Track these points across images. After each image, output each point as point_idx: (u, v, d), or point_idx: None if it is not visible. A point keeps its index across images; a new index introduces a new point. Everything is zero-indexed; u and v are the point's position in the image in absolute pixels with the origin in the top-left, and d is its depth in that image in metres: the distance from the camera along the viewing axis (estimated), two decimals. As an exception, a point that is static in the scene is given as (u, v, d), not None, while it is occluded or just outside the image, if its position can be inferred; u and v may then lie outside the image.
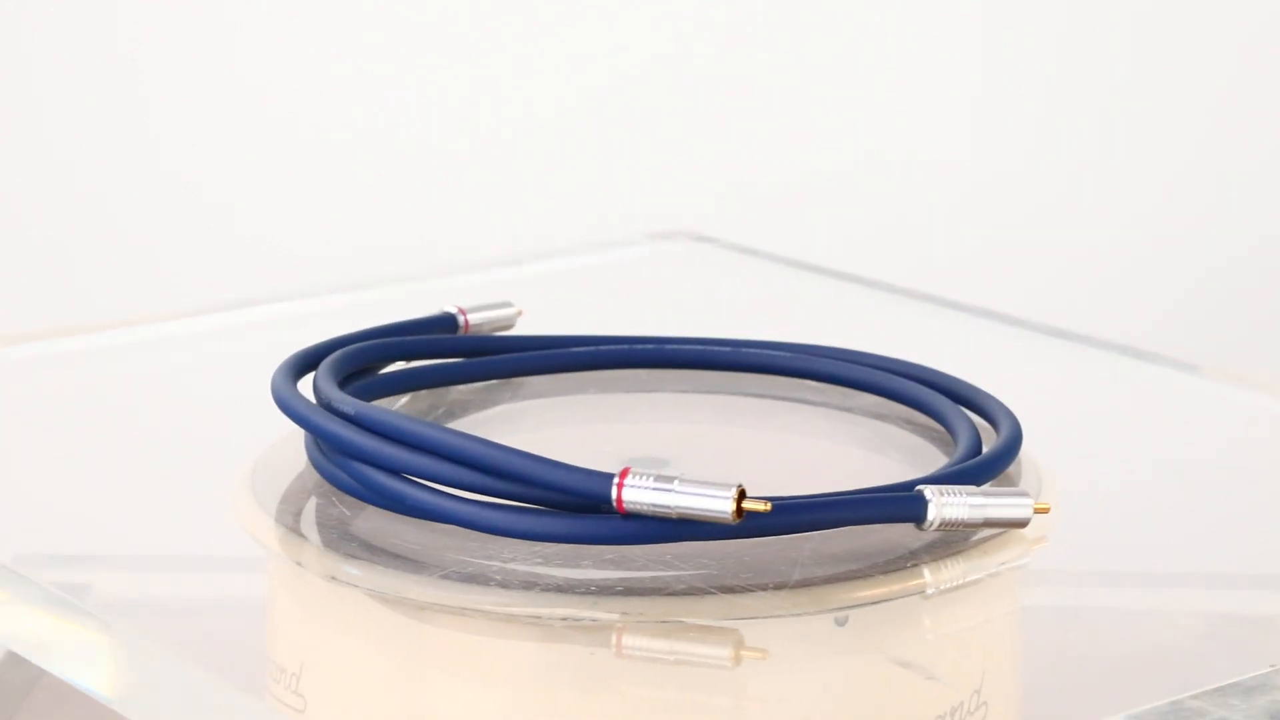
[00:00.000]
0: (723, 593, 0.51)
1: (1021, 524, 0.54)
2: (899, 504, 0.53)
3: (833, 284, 0.82)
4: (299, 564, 0.55)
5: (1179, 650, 0.53)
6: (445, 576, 0.52)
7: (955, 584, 0.53)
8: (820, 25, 1.29)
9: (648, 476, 0.51)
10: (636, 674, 0.50)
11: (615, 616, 0.51)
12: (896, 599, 0.52)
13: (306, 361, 0.61)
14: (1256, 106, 1.32)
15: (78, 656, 0.52)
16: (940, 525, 0.53)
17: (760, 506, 0.51)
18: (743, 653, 0.50)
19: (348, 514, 0.56)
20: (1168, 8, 1.30)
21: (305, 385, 0.60)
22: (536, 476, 0.52)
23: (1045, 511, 0.54)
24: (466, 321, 0.67)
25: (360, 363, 0.63)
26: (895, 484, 0.54)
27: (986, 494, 0.53)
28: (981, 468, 0.56)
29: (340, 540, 0.54)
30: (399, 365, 0.65)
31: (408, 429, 0.55)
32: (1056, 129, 1.31)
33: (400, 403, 0.65)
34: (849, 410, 0.64)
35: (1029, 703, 0.51)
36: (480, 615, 0.51)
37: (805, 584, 0.52)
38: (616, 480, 0.51)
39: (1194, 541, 0.59)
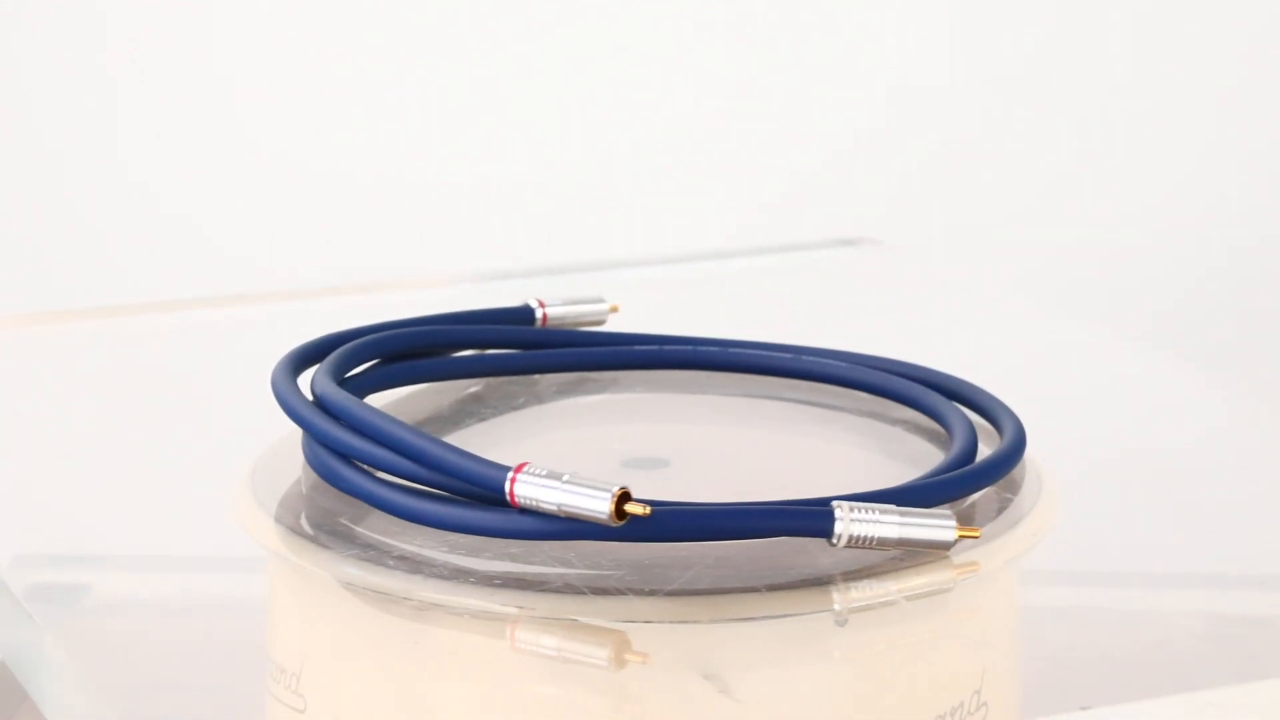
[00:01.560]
0: (594, 593, 0.51)
1: (944, 547, 0.52)
2: (802, 518, 0.52)
3: (1012, 302, 0.82)
4: (299, 564, 0.54)
5: (1179, 650, 0.53)
6: (347, 555, 0.53)
7: (861, 606, 0.52)
8: (825, 30, 1.30)
9: (540, 472, 0.51)
10: (506, 666, 0.50)
11: (470, 604, 0.51)
12: (774, 619, 0.51)
13: (324, 348, 0.62)
14: (1259, 101, 1.32)
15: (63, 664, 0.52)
16: (850, 542, 0.52)
17: (640, 510, 0.50)
18: (627, 656, 0.50)
19: (348, 513, 0.56)
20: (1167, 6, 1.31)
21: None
22: (448, 465, 0.53)
23: (974, 536, 0.53)
24: (545, 315, 0.67)
25: (373, 354, 0.63)
26: (814, 498, 0.53)
27: (905, 514, 0.52)
28: (976, 473, 0.56)
29: (341, 540, 0.54)
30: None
31: (354, 413, 0.56)
32: (1059, 122, 1.32)
33: (470, 389, 0.66)
34: (894, 422, 0.63)
35: (1029, 703, 0.51)
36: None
37: (683, 592, 0.51)
38: (510, 474, 0.51)
39: (1194, 541, 0.59)
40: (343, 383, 0.60)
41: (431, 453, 0.53)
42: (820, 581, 0.52)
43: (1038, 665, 0.52)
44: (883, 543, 0.52)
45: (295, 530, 0.56)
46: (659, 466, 0.59)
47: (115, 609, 0.55)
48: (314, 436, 0.57)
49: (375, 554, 0.53)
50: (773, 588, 0.51)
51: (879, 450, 0.62)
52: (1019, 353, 0.76)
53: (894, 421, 0.63)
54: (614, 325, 0.69)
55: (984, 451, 0.59)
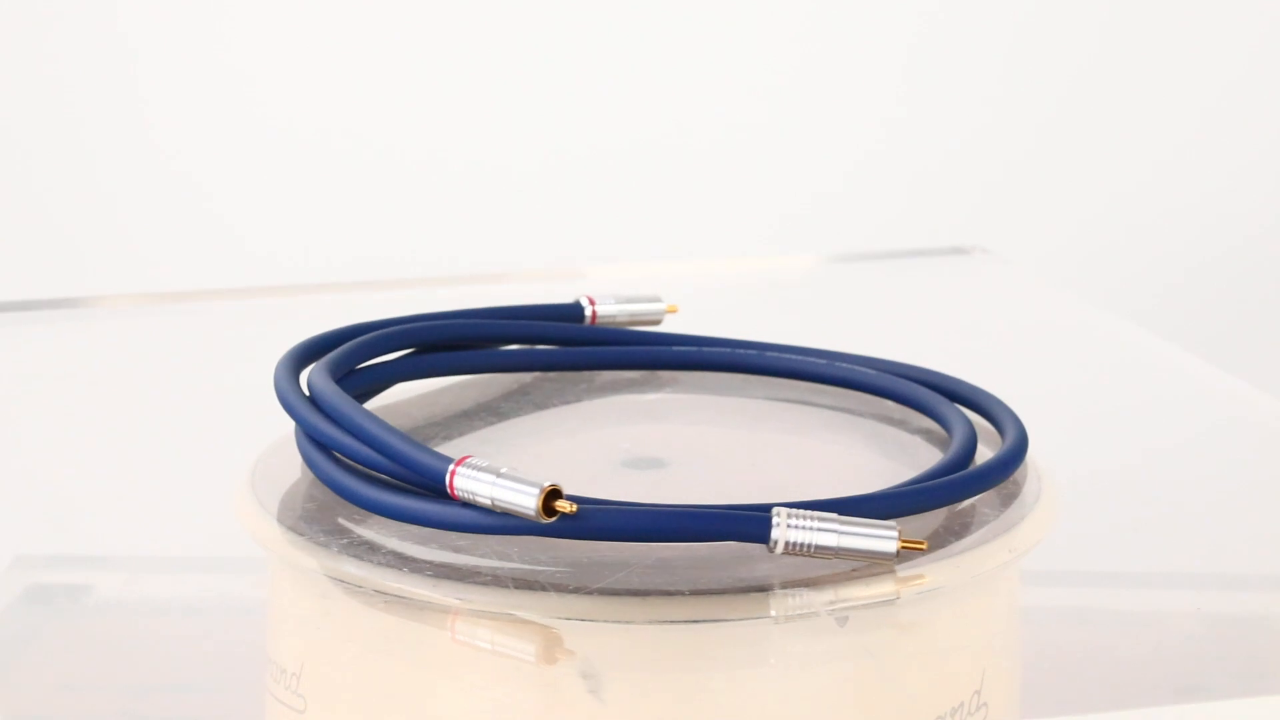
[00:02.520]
0: (518, 587, 0.51)
1: (886, 557, 0.52)
2: (738, 523, 0.51)
3: (1112, 322, 0.82)
4: (299, 564, 0.54)
5: (1179, 650, 0.53)
6: (346, 554, 0.53)
7: (792, 615, 0.51)
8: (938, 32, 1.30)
9: (480, 466, 0.51)
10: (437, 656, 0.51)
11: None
12: (697, 623, 0.51)
13: (337, 340, 0.62)
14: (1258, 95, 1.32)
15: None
16: (787, 549, 0.51)
17: (567, 508, 0.50)
18: (558, 654, 0.50)
19: (348, 512, 0.56)
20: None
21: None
22: (400, 456, 0.53)
23: (919, 548, 0.52)
24: (594, 313, 0.68)
25: (399, 345, 0.63)
26: (756, 503, 0.52)
27: (846, 523, 0.51)
28: (956, 484, 0.55)
29: (341, 540, 0.54)
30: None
31: (331, 403, 0.56)
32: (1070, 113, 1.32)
33: (510, 384, 0.66)
34: (915, 430, 0.63)
35: (1029, 703, 0.51)
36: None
37: (608, 592, 0.51)
38: (451, 467, 0.52)
39: (1194, 541, 0.59)
40: (352, 373, 0.61)
41: (388, 443, 0.54)
42: (753, 588, 0.51)
43: (1038, 665, 0.52)
44: (821, 551, 0.51)
45: (295, 529, 0.56)
46: (656, 467, 0.59)
47: (115, 609, 0.55)
48: (298, 423, 0.57)
49: (373, 553, 0.53)
50: (698, 592, 0.51)
51: (887, 457, 0.61)
52: (1094, 366, 0.75)
53: (915, 430, 0.63)
54: (678, 326, 0.68)
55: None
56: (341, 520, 0.55)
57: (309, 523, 0.55)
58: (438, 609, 0.51)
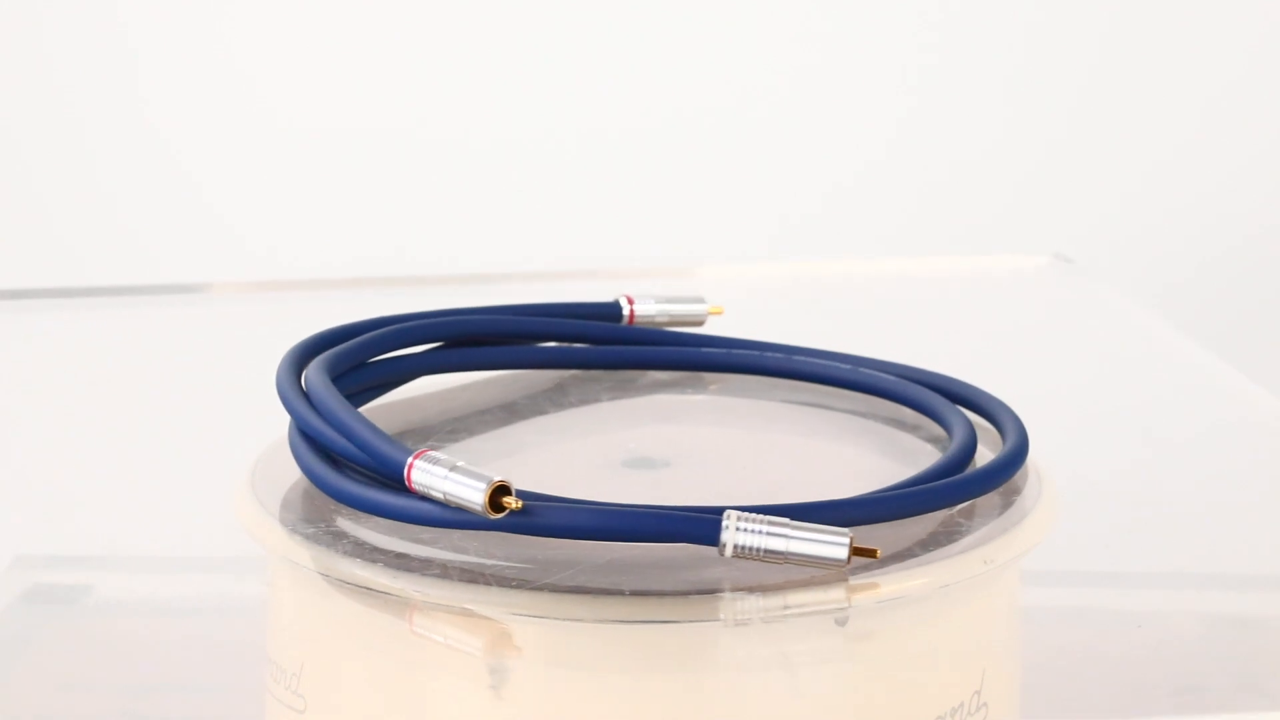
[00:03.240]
0: (463, 580, 0.51)
1: (836, 563, 0.51)
2: (688, 524, 0.51)
3: (1166, 333, 0.82)
4: (299, 563, 0.55)
5: (1179, 650, 0.53)
6: (347, 555, 0.53)
7: (743, 619, 0.51)
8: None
9: (437, 460, 0.51)
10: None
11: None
12: (629, 623, 0.50)
13: (341, 339, 0.62)
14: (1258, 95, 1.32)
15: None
16: (736, 552, 0.50)
17: (513, 504, 0.50)
18: (506, 651, 0.50)
19: (348, 512, 0.56)
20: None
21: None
22: (368, 447, 0.53)
23: (870, 555, 0.51)
24: (632, 312, 0.67)
25: (390, 346, 0.63)
26: (707, 505, 0.52)
27: (796, 527, 0.51)
28: (966, 482, 0.55)
29: (341, 540, 0.54)
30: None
31: (314, 392, 0.56)
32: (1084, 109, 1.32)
33: (542, 381, 0.66)
34: (931, 439, 0.62)
35: (1029, 702, 0.51)
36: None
37: (551, 588, 0.51)
38: (409, 459, 0.52)
39: (1194, 541, 0.59)
40: (366, 365, 0.61)
41: (356, 433, 0.54)
42: (699, 591, 0.51)
43: (1038, 665, 0.52)
44: (770, 555, 0.51)
45: (296, 530, 0.56)
46: (658, 467, 0.59)
47: (115, 609, 0.55)
48: (288, 413, 0.57)
49: (338, 542, 0.53)
50: (638, 593, 0.51)
51: (891, 461, 0.61)
52: (1134, 370, 0.75)
53: (926, 435, 0.62)
54: (727, 328, 0.68)
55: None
56: (339, 519, 0.55)
57: (303, 519, 0.55)
58: (398, 601, 0.51)
